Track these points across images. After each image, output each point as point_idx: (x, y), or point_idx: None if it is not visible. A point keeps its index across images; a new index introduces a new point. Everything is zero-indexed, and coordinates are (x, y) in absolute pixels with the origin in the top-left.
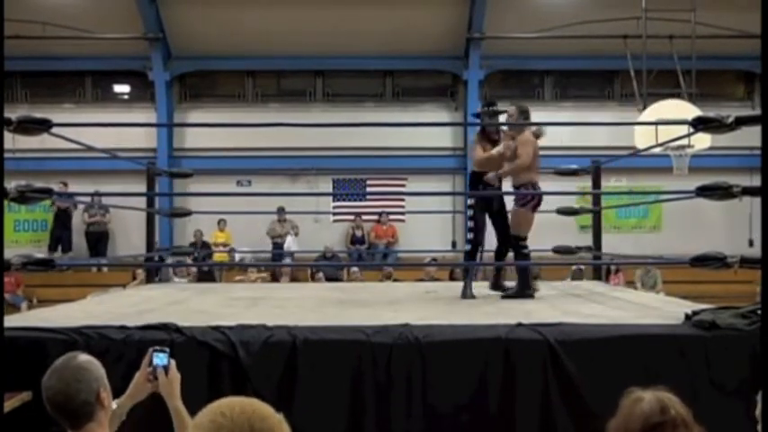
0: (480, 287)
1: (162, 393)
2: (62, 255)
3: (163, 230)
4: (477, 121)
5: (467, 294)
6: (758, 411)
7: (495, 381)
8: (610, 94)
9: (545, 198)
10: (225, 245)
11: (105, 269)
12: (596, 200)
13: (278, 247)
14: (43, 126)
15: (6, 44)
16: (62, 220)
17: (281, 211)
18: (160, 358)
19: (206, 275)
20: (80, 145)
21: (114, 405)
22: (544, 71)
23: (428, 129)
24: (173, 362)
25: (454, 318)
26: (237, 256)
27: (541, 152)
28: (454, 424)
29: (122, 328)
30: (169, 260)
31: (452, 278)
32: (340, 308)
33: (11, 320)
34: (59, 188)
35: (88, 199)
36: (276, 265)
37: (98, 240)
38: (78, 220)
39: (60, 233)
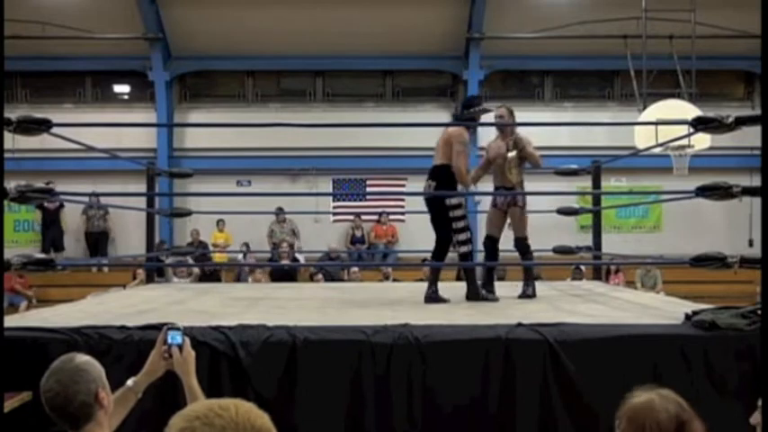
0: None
1: (177, 371)
2: (54, 254)
3: (163, 230)
4: (476, 121)
5: (481, 294)
6: (759, 405)
7: (495, 381)
8: (610, 94)
9: (545, 198)
10: (224, 245)
11: (105, 269)
12: (596, 200)
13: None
14: (43, 126)
15: (6, 44)
16: (48, 220)
17: (280, 211)
18: (174, 337)
19: (208, 275)
20: (80, 145)
21: (130, 383)
22: (544, 71)
23: (428, 129)
24: (187, 340)
25: (454, 318)
26: (250, 258)
27: (542, 152)
28: (454, 424)
29: (122, 328)
30: (169, 260)
31: (459, 278)
32: (340, 308)
33: (11, 320)
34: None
35: (87, 199)
36: (276, 266)
37: (98, 240)
38: (72, 219)
39: (48, 233)
